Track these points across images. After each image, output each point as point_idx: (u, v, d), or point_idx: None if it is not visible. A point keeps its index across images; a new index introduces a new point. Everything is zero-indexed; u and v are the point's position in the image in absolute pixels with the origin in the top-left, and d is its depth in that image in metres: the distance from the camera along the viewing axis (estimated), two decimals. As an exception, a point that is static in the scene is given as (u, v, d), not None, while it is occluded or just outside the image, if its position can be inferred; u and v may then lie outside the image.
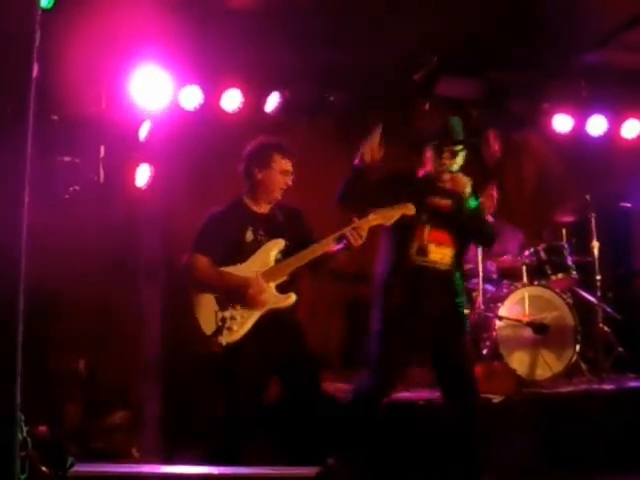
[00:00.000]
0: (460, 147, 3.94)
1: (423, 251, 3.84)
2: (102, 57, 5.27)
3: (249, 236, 3.84)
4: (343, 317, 6.54)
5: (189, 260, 3.82)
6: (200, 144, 5.85)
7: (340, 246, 3.83)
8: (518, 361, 5.24)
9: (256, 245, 3.83)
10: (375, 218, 3.80)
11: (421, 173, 4.09)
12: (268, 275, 3.77)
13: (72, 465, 2.26)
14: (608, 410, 4.93)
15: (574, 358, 5.45)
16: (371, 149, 3.80)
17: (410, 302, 3.81)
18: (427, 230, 3.85)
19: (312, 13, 5.41)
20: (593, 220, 6.03)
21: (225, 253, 3.80)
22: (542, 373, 5.33)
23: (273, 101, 6.01)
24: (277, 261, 3.84)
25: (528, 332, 5.37)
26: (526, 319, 5.39)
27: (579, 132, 6.93)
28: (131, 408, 5.24)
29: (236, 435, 3.75)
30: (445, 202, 3.93)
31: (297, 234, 3.94)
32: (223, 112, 5.94)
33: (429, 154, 3.99)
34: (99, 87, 5.38)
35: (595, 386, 5.36)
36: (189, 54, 5.66)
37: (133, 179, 5.61)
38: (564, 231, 6.12)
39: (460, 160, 3.96)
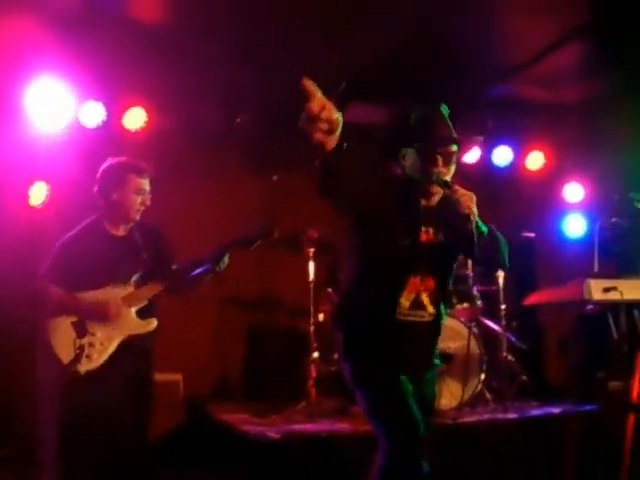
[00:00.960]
0: (456, 147, 2.99)
1: (419, 304, 3.02)
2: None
3: (109, 259, 3.71)
4: (246, 344, 6.41)
5: (41, 289, 3.69)
6: (101, 163, 5.62)
7: (200, 270, 3.77)
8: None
9: (116, 270, 3.70)
10: (236, 242, 3.80)
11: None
12: (128, 300, 3.67)
13: None
14: (512, 439, 4.91)
15: (479, 387, 5.45)
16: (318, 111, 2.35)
17: (396, 360, 3.01)
18: (420, 276, 2.99)
19: (218, 33, 5.31)
20: (498, 249, 6.06)
21: (83, 279, 3.65)
22: (447, 403, 5.29)
23: (177, 121, 5.87)
24: (137, 285, 3.72)
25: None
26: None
27: (485, 162, 7.04)
28: (21, 441, 4.91)
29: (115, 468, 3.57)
30: (434, 232, 3.04)
31: (156, 255, 3.80)
32: (126, 130, 5.77)
33: (410, 159, 2.99)
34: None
35: (499, 415, 5.35)
36: (91, 70, 5.46)
37: (28, 198, 5.36)
38: (469, 260, 6.12)
39: (454, 167, 3.01)
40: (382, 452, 2.94)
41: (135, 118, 5.76)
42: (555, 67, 6.01)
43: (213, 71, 5.71)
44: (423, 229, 3.01)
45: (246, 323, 6.41)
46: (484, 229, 2.95)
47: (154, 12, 5.19)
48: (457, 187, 2.90)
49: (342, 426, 4.87)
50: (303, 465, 4.35)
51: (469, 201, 2.85)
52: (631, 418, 4.25)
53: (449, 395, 5.31)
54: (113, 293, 3.66)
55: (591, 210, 7.20)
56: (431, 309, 3.04)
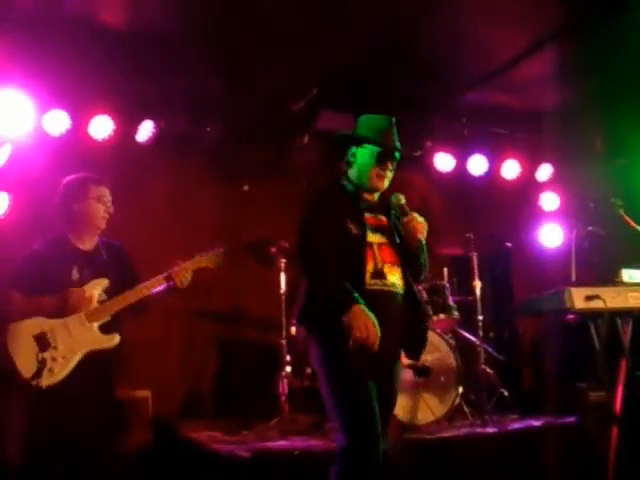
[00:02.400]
0: (398, 156, 3.41)
1: (380, 273, 3.25)
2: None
3: (75, 275, 3.72)
4: (217, 359, 6.25)
5: (3, 297, 3.68)
6: (66, 172, 5.49)
7: (163, 287, 3.76)
8: (399, 405, 5.02)
9: (81, 284, 3.70)
10: (200, 261, 3.83)
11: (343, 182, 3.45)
12: (91, 315, 3.67)
13: None
14: (491, 453, 4.79)
15: (456, 401, 5.32)
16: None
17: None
18: (376, 248, 3.28)
19: (186, 43, 5.28)
20: (475, 259, 5.98)
21: (48, 292, 3.63)
22: (424, 417, 5.17)
23: (145, 130, 5.77)
24: (101, 301, 3.72)
25: (409, 375, 5.21)
26: (406, 361, 5.20)
27: (461, 171, 7.00)
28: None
29: None
30: (382, 218, 3.41)
31: (121, 272, 3.83)
32: (92, 139, 5.71)
33: (362, 158, 3.38)
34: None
35: (478, 429, 5.23)
36: (56, 78, 5.41)
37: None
38: (446, 270, 6.05)
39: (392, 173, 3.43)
40: (340, 449, 3.08)
41: (101, 127, 5.70)
42: (529, 75, 6.01)
43: (182, 80, 5.65)
44: (368, 215, 3.34)
45: (217, 337, 6.27)
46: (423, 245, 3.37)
47: (121, 20, 5.10)
48: (413, 215, 3.33)
49: (316, 443, 4.73)
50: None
51: (422, 230, 3.30)
52: (614, 430, 4.15)
53: (426, 409, 5.19)
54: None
55: (567, 219, 7.17)
56: (393, 279, 3.27)
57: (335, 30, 5.13)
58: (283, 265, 5.59)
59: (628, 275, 4.50)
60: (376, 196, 3.45)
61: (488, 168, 7.05)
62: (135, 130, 5.82)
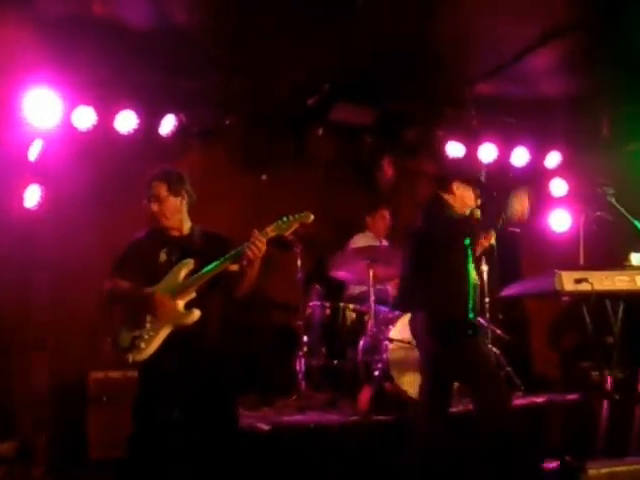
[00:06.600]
0: None
1: None
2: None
3: (162, 257, 3.84)
4: (238, 340, 6.44)
5: (107, 283, 3.85)
6: (93, 165, 5.76)
7: (241, 262, 3.72)
8: (409, 383, 5.28)
9: (169, 266, 3.79)
10: (273, 229, 3.74)
11: None
12: (175, 293, 3.71)
13: None
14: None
15: (462, 379, 5.55)
16: None
17: None
18: None
19: (207, 38, 5.44)
20: (481, 245, 6.14)
21: (142, 275, 3.78)
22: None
23: (168, 124, 6.00)
24: (185, 278, 3.76)
25: (416, 353, 5.43)
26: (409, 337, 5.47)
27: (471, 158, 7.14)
28: (17, 438, 5.02)
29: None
30: None
31: (213, 257, 3.76)
32: (117, 133, 5.89)
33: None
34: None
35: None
36: (82, 75, 5.60)
37: (22, 200, 5.51)
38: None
39: None
40: None
41: (126, 121, 5.89)
42: (539, 65, 6.09)
43: (202, 75, 5.83)
44: None
45: (237, 319, 6.44)
46: None
47: (147, 20, 5.24)
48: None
49: (330, 417, 4.99)
50: (293, 454, 4.45)
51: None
52: (605, 405, 4.37)
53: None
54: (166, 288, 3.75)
55: (576, 204, 7.30)
56: None
57: (347, 31, 5.30)
58: (299, 251, 5.82)
59: (637, 259, 4.62)
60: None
61: (498, 156, 7.18)
62: (158, 124, 6.01)
